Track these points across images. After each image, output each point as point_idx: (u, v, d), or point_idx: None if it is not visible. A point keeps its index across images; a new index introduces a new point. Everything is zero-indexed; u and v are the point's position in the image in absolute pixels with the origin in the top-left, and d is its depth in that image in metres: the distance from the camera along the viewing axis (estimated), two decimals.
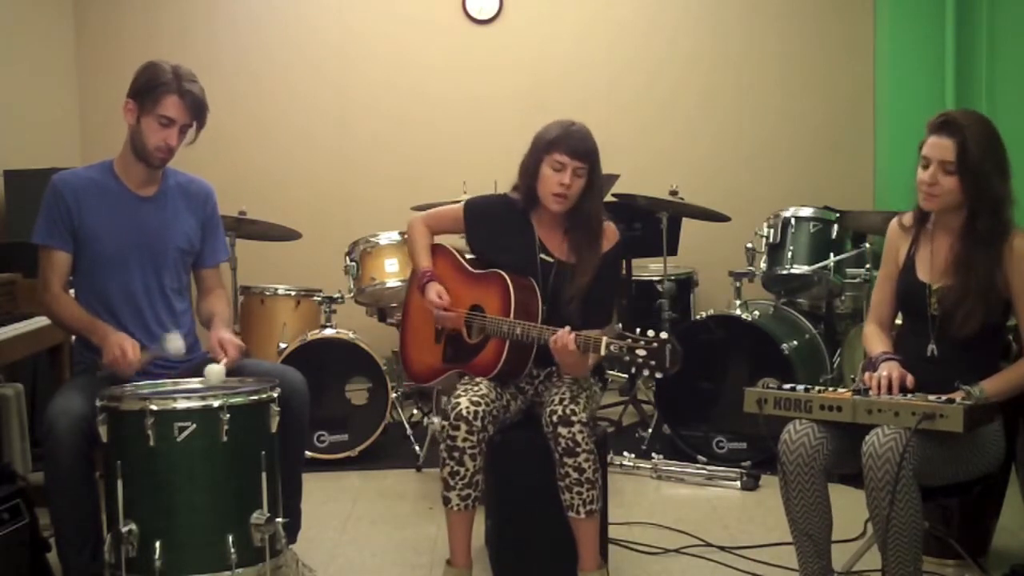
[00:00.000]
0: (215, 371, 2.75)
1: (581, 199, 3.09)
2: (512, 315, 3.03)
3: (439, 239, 3.37)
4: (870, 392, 2.62)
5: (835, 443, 2.65)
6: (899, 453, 2.43)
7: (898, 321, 2.94)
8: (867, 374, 2.71)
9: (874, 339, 2.90)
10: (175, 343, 2.81)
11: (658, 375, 2.70)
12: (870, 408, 2.54)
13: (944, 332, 2.71)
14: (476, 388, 3.00)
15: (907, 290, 2.81)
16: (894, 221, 2.92)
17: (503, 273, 3.11)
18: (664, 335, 2.70)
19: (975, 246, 2.68)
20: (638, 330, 2.74)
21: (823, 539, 2.70)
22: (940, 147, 2.66)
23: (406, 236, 3.45)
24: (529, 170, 3.10)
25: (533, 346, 3.04)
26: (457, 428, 2.90)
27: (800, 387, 2.73)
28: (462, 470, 2.92)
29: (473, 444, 2.91)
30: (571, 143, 3.03)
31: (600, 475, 2.94)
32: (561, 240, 3.16)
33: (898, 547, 2.49)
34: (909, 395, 2.59)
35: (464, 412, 2.91)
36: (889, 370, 2.69)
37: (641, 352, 2.70)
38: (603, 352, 2.78)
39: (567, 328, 2.87)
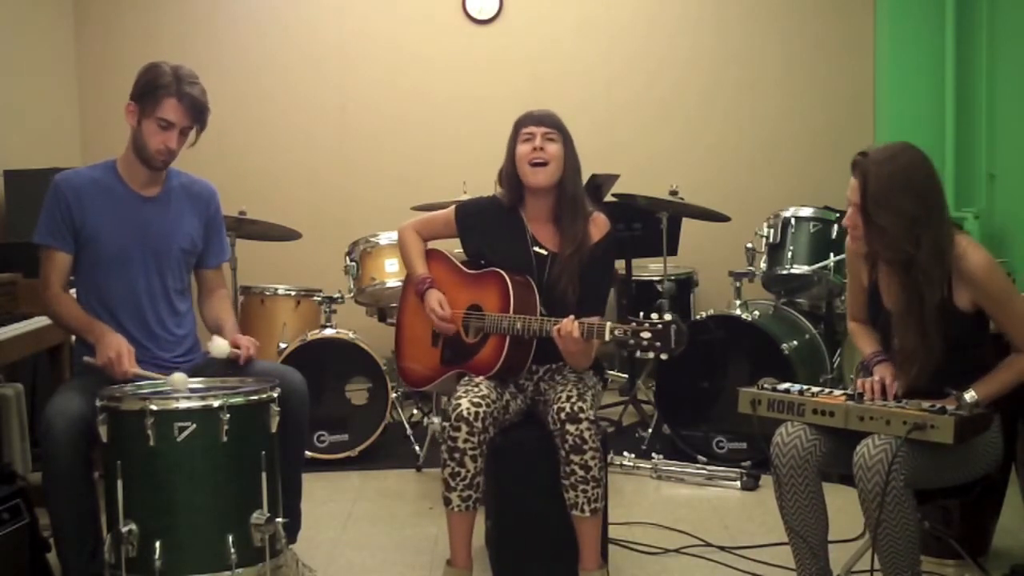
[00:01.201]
0: (219, 344, 2.84)
1: (563, 179, 3.12)
2: (512, 311, 3.04)
3: (431, 244, 3.39)
4: (864, 397, 2.61)
5: (829, 445, 2.64)
6: (888, 463, 2.42)
7: None
8: (860, 380, 2.70)
9: (862, 337, 2.87)
10: (180, 381, 2.78)
11: (664, 356, 2.72)
12: (862, 415, 2.53)
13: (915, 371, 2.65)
14: (477, 389, 3.00)
15: (879, 319, 2.77)
16: (849, 237, 2.78)
17: (501, 271, 3.12)
18: (668, 316, 2.73)
19: (915, 290, 2.57)
20: (641, 314, 2.78)
21: (818, 540, 2.70)
22: (851, 187, 2.63)
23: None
24: (507, 160, 3.17)
25: (533, 341, 3.05)
26: (458, 429, 2.90)
27: (795, 387, 2.73)
28: (463, 471, 2.92)
29: (474, 445, 2.91)
30: (534, 116, 3.15)
31: (604, 473, 2.95)
32: (553, 232, 3.18)
33: (894, 554, 2.48)
34: (904, 401, 2.57)
35: (465, 413, 2.91)
36: (882, 374, 2.68)
37: (646, 335, 2.73)
38: (607, 337, 2.80)
39: (571, 316, 2.89)
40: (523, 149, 3.11)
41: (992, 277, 2.57)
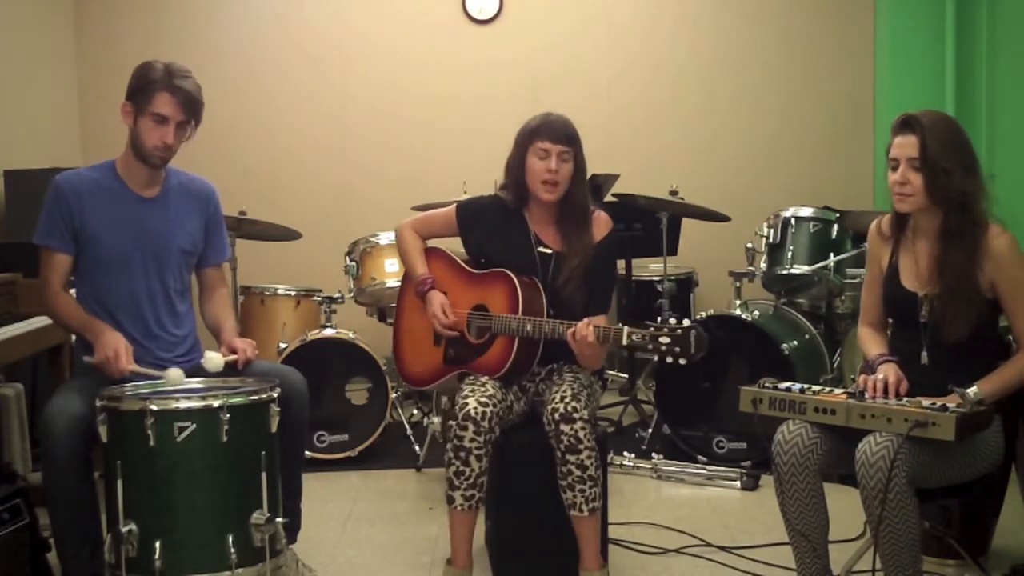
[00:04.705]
0: (213, 359, 2.80)
1: (571, 187, 3.11)
2: (521, 312, 3.03)
3: (430, 243, 3.38)
4: (866, 395, 2.61)
5: (829, 443, 2.64)
6: (890, 460, 2.42)
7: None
8: (863, 376, 2.70)
9: (869, 341, 2.89)
10: (176, 377, 2.75)
11: (682, 361, 2.73)
12: (863, 413, 2.53)
13: (936, 339, 2.68)
14: (484, 389, 2.99)
15: (895, 300, 2.79)
16: (873, 225, 2.88)
17: (507, 272, 3.11)
18: (687, 322, 2.74)
19: (951, 247, 2.66)
20: (659, 318, 2.79)
21: (819, 539, 2.70)
22: (905, 145, 2.65)
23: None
24: (515, 165, 3.14)
25: (541, 342, 3.05)
26: (465, 428, 2.90)
27: (796, 386, 2.73)
28: (468, 470, 2.91)
29: (480, 445, 2.90)
30: (552, 129, 3.08)
31: (602, 472, 2.94)
32: (555, 232, 3.17)
33: (895, 552, 2.48)
34: (905, 400, 2.58)
35: (473, 413, 2.90)
36: (886, 373, 2.68)
37: (664, 340, 2.74)
38: (625, 342, 2.80)
39: (585, 321, 2.89)
40: (537, 165, 3.08)
41: (1016, 260, 2.63)
